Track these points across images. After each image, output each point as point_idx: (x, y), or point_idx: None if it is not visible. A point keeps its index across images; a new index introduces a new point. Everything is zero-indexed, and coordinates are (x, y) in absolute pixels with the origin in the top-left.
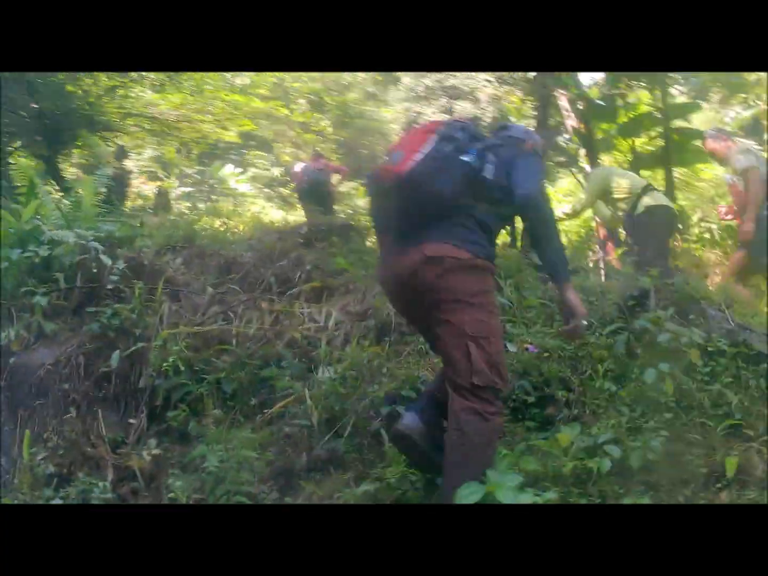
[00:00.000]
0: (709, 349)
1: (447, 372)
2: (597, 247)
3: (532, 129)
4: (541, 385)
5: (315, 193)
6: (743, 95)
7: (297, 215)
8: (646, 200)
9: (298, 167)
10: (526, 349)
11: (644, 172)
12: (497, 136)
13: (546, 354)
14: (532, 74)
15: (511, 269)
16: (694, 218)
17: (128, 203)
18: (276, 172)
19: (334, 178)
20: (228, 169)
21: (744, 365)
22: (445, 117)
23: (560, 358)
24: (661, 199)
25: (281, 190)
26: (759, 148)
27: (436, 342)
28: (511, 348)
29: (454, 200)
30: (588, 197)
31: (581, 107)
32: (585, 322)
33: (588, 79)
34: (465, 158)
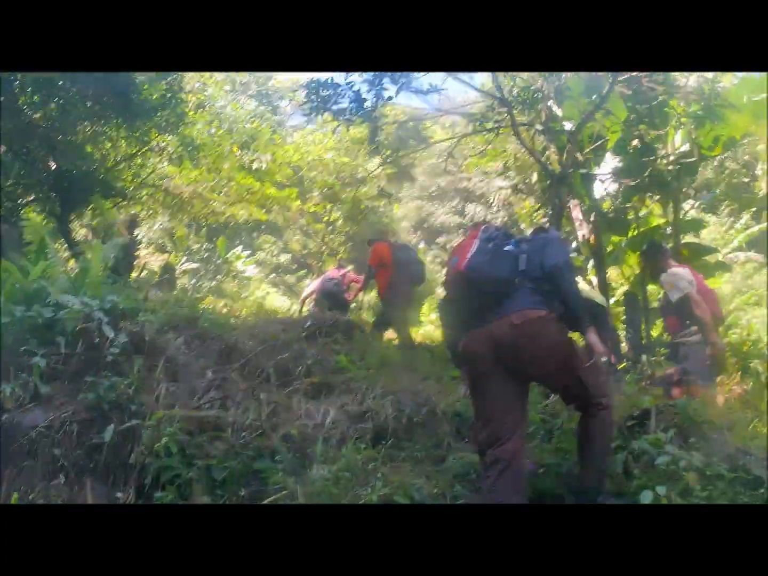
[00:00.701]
0: (708, 473)
1: (570, 400)
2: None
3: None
4: (536, 501)
5: (331, 300)
6: (752, 210)
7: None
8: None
9: (314, 284)
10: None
11: (652, 287)
12: (535, 234)
13: (542, 470)
14: (547, 182)
15: None
16: None
17: (134, 274)
18: (283, 258)
19: (352, 287)
20: (235, 250)
21: (742, 490)
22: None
23: (557, 475)
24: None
25: (287, 277)
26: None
27: (548, 383)
28: None
29: (510, 280)
30: None
31: (592, 219)
32: (604, 359)
33: (601, 190)
34: (507, 248)
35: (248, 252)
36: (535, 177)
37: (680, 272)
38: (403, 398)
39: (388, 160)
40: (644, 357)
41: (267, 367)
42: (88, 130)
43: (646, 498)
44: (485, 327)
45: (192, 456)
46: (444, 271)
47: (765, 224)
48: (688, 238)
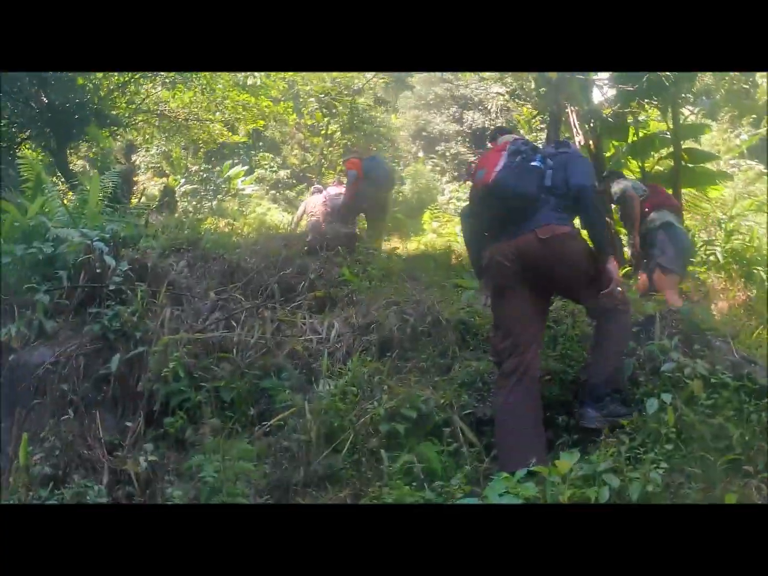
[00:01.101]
0: (713, 381)
1: (591, 311)
2: None
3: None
4: (543, 409)
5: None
6: (753, 117)
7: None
8: None
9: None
10: None
11: None
12: (557, 148)
13: (548, 377)
14: (543, 89)
15: None
16: (700, 240)
17: (134, 200)
18: (283, 174)
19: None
20: (234, 169)
21: (747, 399)
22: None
23: (562, 382)
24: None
25: (287, 192)
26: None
27: (571, 295)
28: None
29: (536, 195)
30: None
31: (592, 124)
32: (619, 288)
33: (599, 95)
34: (534, 164)
35: (246, 168)
36: (533, 84)
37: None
38: (406, 309)
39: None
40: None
41: (270, 284)
42: None
43: (652, 406)
44: (511, 240)
45: (199, 379)
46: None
47: (764, 131)
48: (689, 144)
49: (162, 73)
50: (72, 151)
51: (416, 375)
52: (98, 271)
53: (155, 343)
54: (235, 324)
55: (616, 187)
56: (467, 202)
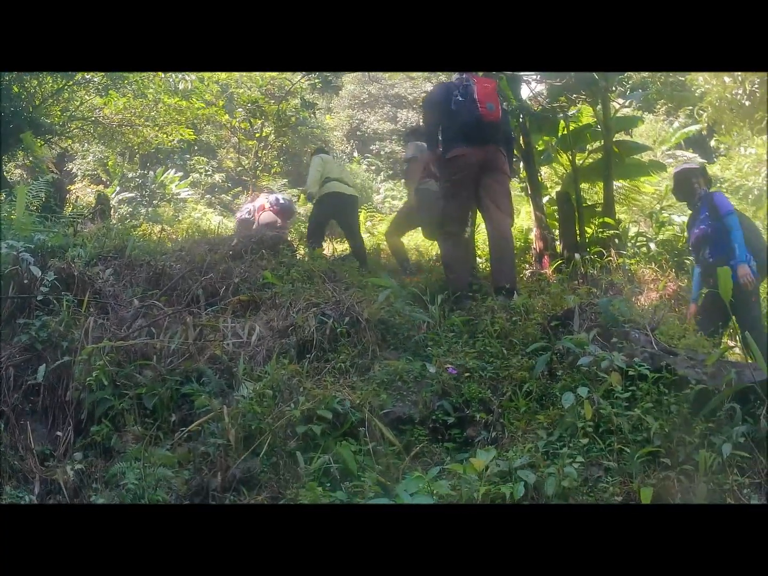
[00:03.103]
0: (630, 373)
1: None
2: (533, 259)
3: None
4: (462, 406)
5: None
6: (689, 108)
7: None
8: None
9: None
10: (446, 369)
11: (584, 185)
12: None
13: (467, 374)
14: None
15: (438, 286)
16: (632, 232)
17: (69, 208)
18: (218, 177)
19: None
20: (168, 174)
21: (666, 390)
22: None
23: (481, 379)
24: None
25: (223, 196)
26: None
27: (488, 194)
28: (431, 369)
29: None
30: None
31: (521, 120)
32: None
33: (528, 91)
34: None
35: (181, 174)
36: None
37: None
38: (326, 309)
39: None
40: (577, 255)
41: (194, 289)
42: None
43: (568, 400)
44: (480, 152)
45: (123, 386)
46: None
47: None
48: (620, 136)
49: (95, 79)
50: (9, 160)
51: (334, 376)
52: (26, 281)
53: (79, 352)
54: (156, 331)
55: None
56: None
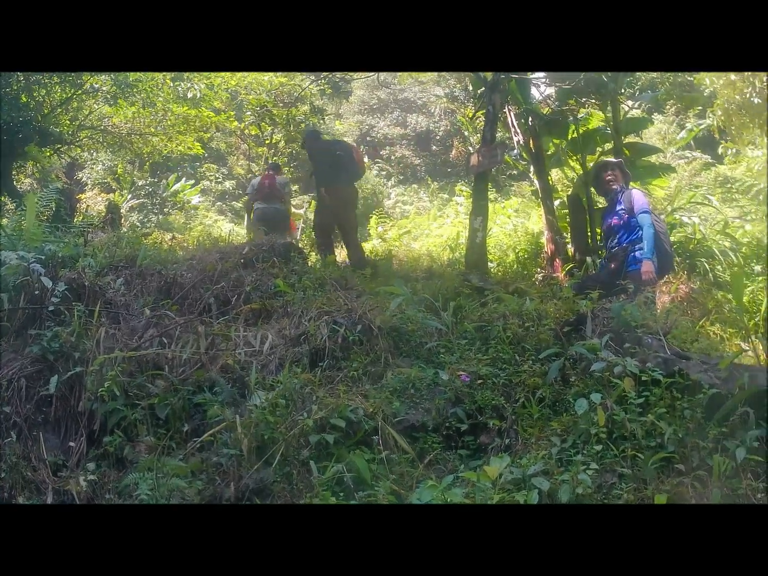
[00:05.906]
0: (643, 378)
1: None
2: (545, 263)
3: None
4: (475, 413)
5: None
6: (698, 108)
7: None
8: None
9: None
10: (459, 376)
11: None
12: None
13: (480, 381)
14: (480, 89)
15: (450, 292)
16: None
17: (79, 218)
18: (228, 185)
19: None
20: (180, 182)
21: (679, 395)
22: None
23: (494, 386)
24: None
25: (234, 204)
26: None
27: None
28: (444, 376)
29: None
30: None
31: (531, 123)
32: None
33: (537, 94)
34: None
35: (192, 182)
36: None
37: None
38: (338, 318)
39: (321, 77)
40: (589, 259)
41: (206, 297)
42: (22, 80)
43: (581, 406)
44: None
45: (135, 397)
46: None
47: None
48: (631, 138)
49: (104, 88)
50: (19, 170)
51: (347, 384)
52: (37, 292)
53: (91, 363)
54: (167, 341)
55: None
56: None
